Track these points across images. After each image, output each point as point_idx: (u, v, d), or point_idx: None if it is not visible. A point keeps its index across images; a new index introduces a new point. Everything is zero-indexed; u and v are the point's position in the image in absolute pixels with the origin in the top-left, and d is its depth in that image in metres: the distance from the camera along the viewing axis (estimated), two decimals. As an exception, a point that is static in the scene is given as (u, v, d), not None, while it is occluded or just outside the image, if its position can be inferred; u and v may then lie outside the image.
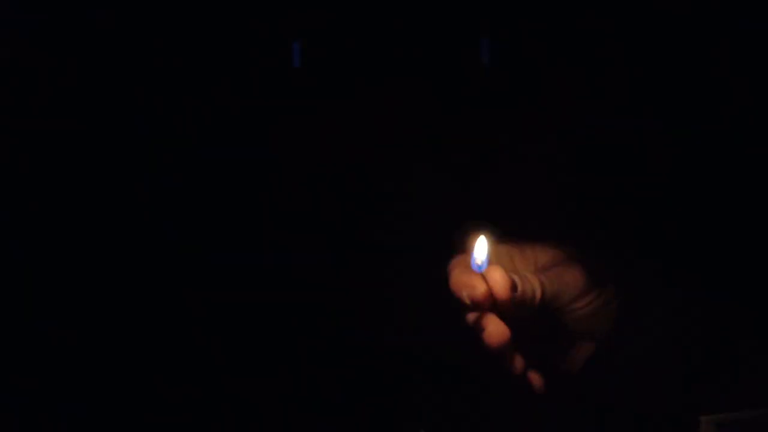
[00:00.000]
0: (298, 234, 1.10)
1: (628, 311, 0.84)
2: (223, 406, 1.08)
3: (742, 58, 0.98)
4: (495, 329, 0.79)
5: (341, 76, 1.11)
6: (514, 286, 0.79)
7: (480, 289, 0.79)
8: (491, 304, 0.79)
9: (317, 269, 1.09)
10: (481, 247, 0.81)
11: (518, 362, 0.82)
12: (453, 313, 0.82)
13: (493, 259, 0.81)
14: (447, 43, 1.09)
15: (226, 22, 1.10)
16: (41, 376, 1.07)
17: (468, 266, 0.81)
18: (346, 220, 1.10)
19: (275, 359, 1.09)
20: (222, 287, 1.09)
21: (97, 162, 1.09)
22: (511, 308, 0.79)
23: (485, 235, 0.81)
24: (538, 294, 0.80)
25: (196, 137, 1.10)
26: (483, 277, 0.80)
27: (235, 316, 1.09)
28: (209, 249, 1.10)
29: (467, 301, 0.79)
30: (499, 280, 0.79)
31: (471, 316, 0.80)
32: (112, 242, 1.09)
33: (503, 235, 0.84)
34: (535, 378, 0.83)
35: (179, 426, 1.08)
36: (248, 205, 1.11)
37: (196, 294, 1.09)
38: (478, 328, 0.80)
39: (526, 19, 1.07)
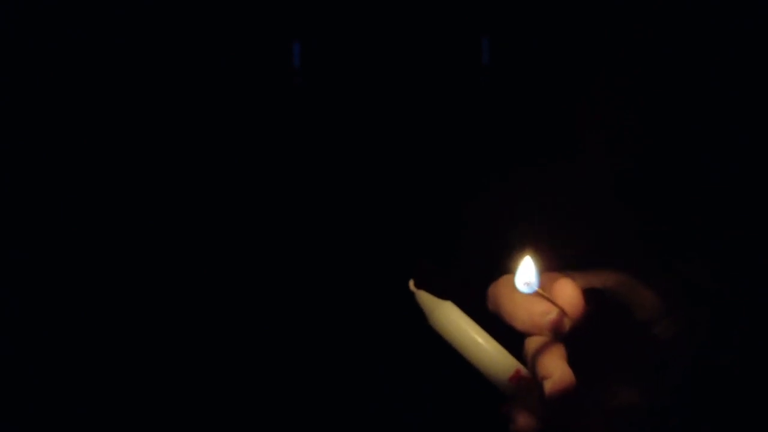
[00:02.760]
0: (298, 234, 1.10)
1: (716, 338, 0.74)
2: (223, 406, 1.08)
3: (742, 58, 0.98)
4: (559, 374, 0.65)
5: (341, 76, 1.11)
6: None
7: (554, 311, 0.66)
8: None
9: (317, 268, 1.09)
10: (528, 266, 0.68)
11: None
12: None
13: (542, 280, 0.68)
14: (447, 43, 1.09)
15: (227, 21, 1.10)
16: (41, 376, 1.07)
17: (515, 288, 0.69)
18: (346, 220, 1.10)
19: (275, 359, 1.09)
20: (222, 287, 1.09)
21: (97, 162, 1.09)
22: (584, 330, 0.67)
23: (530, 255, 0.68)
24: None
25: (196, 138, 1.10)
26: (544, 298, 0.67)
27: (235, 316, 1.09)
28: (209, 249, 1.10)
29: (549, 330, 0.67)
30: (571, 294, 0.67)
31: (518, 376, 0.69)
32: (112, 242, 1.09)
33: (556, 261, 0.71)
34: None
35: (179, 426, 1.08)
36: (248, 205, 1.11)
37: (196, 294, 1.09)
38: (539, 372, 0.66)
39: (526, 19, 1.06)
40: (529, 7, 1.06)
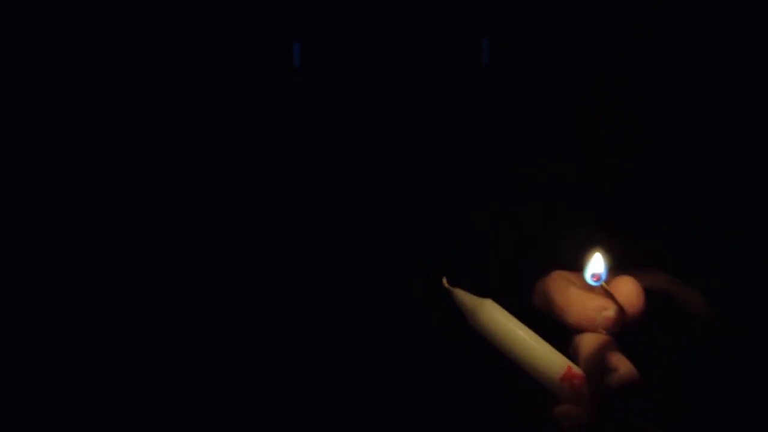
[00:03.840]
0: (299, 233, 1.10)
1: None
2: (223, 405, 1.08)
3: (742, 58, 0.98)
4: (625, 369, 0.63)
5: (341, 76, 1.11)
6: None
7: (612, 307, 0.64)
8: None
9: (318, 268, 1.09)
10: (599, 260, 0.66)
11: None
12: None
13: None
14: (447, 43, 1.09)
15: (227, 21, 1.10)
16: (42, 376, 1.07)
17: (569, 282, 0.67)
18: (346, 219, 1.10)
19: (276, 359, 1.09)
20: (222, 286, 1.09)
21: (97, 162, 1.09)
22: (637, 329, 0.64)
23: (601, 251, 0.66)
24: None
25: (197, 137, 1.10)
26: (604, 292, 0.65)
27: (236, 315, 1.09)
28: (209, 248, 1.10)
29: (604, 327, 0.65)
30: (632, 291, 0.65)
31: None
32: (112, 242, 1.09)
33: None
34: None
35: (179, 426, 1.08)
36: (248, 204, 1.11)
37: (196, 294, 1.09)
38: (600, 366, 0.64)
39: (526, 19, 1.06)
40: (529, 7, 1.06)
